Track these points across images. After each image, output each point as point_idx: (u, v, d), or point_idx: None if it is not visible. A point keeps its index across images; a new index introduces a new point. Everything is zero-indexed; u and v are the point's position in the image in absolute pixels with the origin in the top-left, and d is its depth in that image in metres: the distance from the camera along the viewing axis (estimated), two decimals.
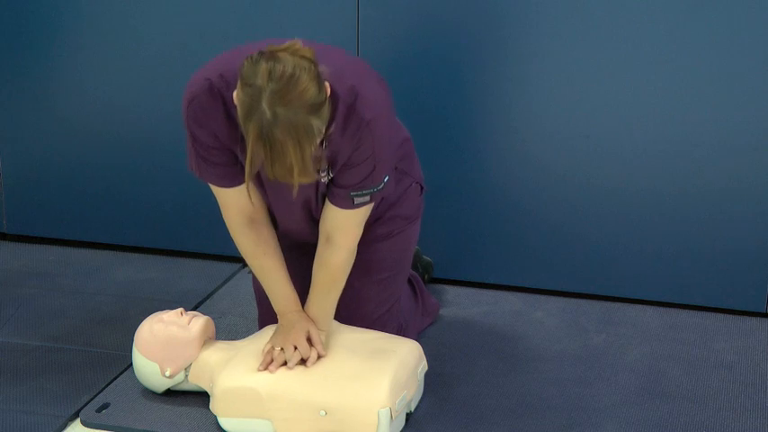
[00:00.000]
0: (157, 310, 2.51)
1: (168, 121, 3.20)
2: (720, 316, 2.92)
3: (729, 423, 2.39)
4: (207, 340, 2.45)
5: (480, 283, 3.09)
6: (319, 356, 2.35)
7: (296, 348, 2.34)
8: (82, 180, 3.34)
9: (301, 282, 2.50)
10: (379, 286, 2.57)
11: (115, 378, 2.56)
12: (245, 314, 2.91)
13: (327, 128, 2.15)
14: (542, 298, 3.03)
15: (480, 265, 3.08)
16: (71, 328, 2.84)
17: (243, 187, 2.31)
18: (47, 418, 2.39)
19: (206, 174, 2.32)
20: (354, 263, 2.50)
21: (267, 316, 2.63)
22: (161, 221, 3.30)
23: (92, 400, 2.47)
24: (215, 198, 2.39)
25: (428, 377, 2.51)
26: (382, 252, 2.55)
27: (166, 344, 2.40)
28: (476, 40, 2.89)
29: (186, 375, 2.42)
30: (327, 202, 2.34)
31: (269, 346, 2.36)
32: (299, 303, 2.44)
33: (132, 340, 2.47)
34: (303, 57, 2.05)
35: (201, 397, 2.43)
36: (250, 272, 3.14)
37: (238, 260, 3.25)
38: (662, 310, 2.95)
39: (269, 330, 2.48)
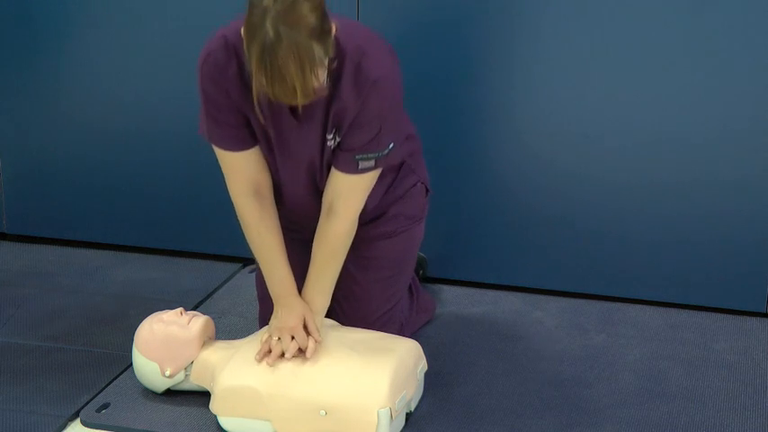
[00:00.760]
0: (157, 310, 2.51)
1: (168, 121, 3.20)
2: (720, 316, 2.92)
3: (729, 423, 2.39)
4: (207, 340, 2.45)
5: (480, 283, 3.09)
6: (317, 343, 2.35)
7: (293, 338, 2.34)
8: (82, 180, 3.34)
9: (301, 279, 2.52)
10: (380, 285, 2.57)
11: (115, 378, 2.56)
12: (245, 314, 2.91)
13: (337, 83, 2.18)
14: (542, 298, 3.03)
15: (480, 264, 3.08)
16: (71, 328, 2.84)
17: (251, 153, 2.33)
18: (47, 418, 2.39)
19: (215, 136, 2.32)
20: (357, 261, 2.51)
21: (268, 313, 2.63)
22: (161, 221, 3.31)
23: (92, 400, 2.47)
24: (221, 174, 2.38)
25: (428, 377, 2.51)
26: (385, 250, 2.55)
27: (166, 343, 2.40)
28: (476, 36, 2.89)
29: (186, 375, 2.42)
30: (332, 171, 2.34)
31: (266, 336, 2.36)
32: (296, 288, 2.42)
33: (132, 340, 2.47)
34: None
35: (201, 397, 2.43)
36: (251, 271, 3.16)
37: (238, 260, 3.25)
38: (662, 310, 2.95)
39: (269, 329, 2.48)
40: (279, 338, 2.34)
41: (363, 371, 2.28)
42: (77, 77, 3.25)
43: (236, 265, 3.24)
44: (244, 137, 2.32)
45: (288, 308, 2.39)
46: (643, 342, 2.77)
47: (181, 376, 2.42)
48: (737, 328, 2.85)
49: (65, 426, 2.39)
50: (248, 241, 2.44)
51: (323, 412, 2.24)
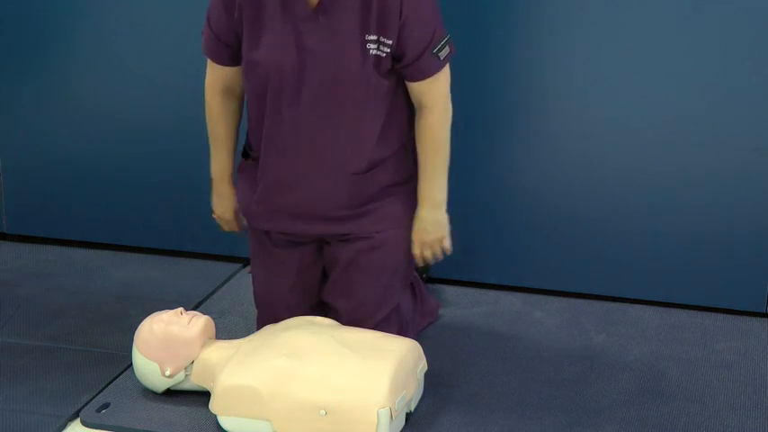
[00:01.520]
0: (157, 310, 2.51)
1: (169, 121, 3.21)
2: (720, 316, 2.92)
3: (729, 423, 2.39)
4: (207, 340, 2.45)
5: (480, 283, 3.09)
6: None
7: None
8: (82, 180, 3.34)
9: (300, 290, 2.58)
10: (379, 291, 2.56)
11: (115, 378, 2.56)
12: (245, 314, 2.91)
13: None
14: (542, 298, 3.03)
15: (480, 265, 3.08)
16: (71, 328, 2.83)
17: (228, 69, 2.51)
18: (47, 418, 2.39)
19: (208, 45, 2.51)
20: (356, 265, 2.50)
21: (266, 318, 2.63)
22: (161, 221, 3.30)
23: (92, 400, 2.47)
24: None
25: (428, 377, 2.51)
26: (383, 256, 2.54)
27: (166, 343, 2.40)
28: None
29: (186, 375, 2.42)
30: (411, 86, 2.41)
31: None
32: (231, 177, 2.65)
33: (132, 340, 2.47)
34: None
35: (201, 397, 2.43)
36: (250, 272, 3.16)
37: (238, 260, 3.25)
38: (662, 310, 2.95)
39: (269, 330, 2.48)
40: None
41: (363, 371, 2.28)
42: (77, 78, 3.25)
43: (236, 265, 3.24)
44: (231, 54, 2.47)
45: (220, 197, 2.67)
46: (643, 342, 2.77)
47: (181, 376, 2.42)
48: (737, 328, 2.85)
49: (65, 426, 2.39)
50: (207, 124, 2.63)
51: (323, 412, 2.24)
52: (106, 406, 2.44)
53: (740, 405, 2.46)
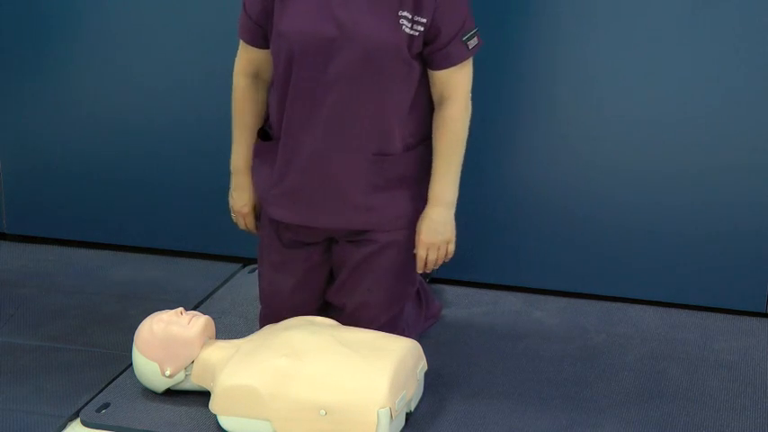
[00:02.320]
0: (157, 310, 2.51)
1: (169, 121, 3.21)
2: (720, 316, 2.92)
3: (729, 423, 2.39)
4: (207, 340, 2.45)
5: (480, 283, 3.09)
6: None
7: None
8: (82, 180, 3.34)
9: (311, 292, 2.59)
10: (386, 293, 2.56)
11: (115, 378, 2.56)
12: (245, 314, 2.91)
13: None
14: (542, 298, 3.03)
15: (480, 265, 3.08)
16: (71, 328, 2.83)
17: (260, 52, 2.47)
18: (47, 418, 2.39)
19: (242, 28, 2.47)
20: (364, 266, 2.50)
21: (270, 316, 2.63)
22: (161, 221, 3.31)
23: (92, 400, 2.47)
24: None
25: (428, 377, 2.51)
26: (392, 258, 2.54)
27: (166, 343, 2.40)
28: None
29: (187, 375, 2.42)
30: (434, 75, 2.41)
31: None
32: (251, 168, 2.59)
33: (132, 340, 2.47)
34: None
35: (201, 397, 2.43)
36: (251, 271, 3.16)
37: (238, 260, 3.25)
38: (662, 310, 2.95)
39: (269, 330, 2.48)
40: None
41: (363, 371, 2.28)
42: (77, 78, 3.25)
43: (236, 265, 3.24)
44: (259, 35, 2.44)
45: (240, 190, 2.62)
46: (643, 342, 2.77)
47: (181, 376, 2.42)
48: (737, 328, 2.85)
49: (65, 426, 2.39)
50: (233, 111, 2.58)
51: (323, 412, 2.24)
52: (106, 406, 2.44)
53: (740, 405, 2.47)
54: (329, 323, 2.52)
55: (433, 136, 2.48)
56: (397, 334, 2.56)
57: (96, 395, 2.49)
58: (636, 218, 2.92)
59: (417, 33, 2.34)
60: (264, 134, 2.57)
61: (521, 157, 2.97)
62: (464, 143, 2.48)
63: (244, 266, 3.23)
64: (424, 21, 2.33)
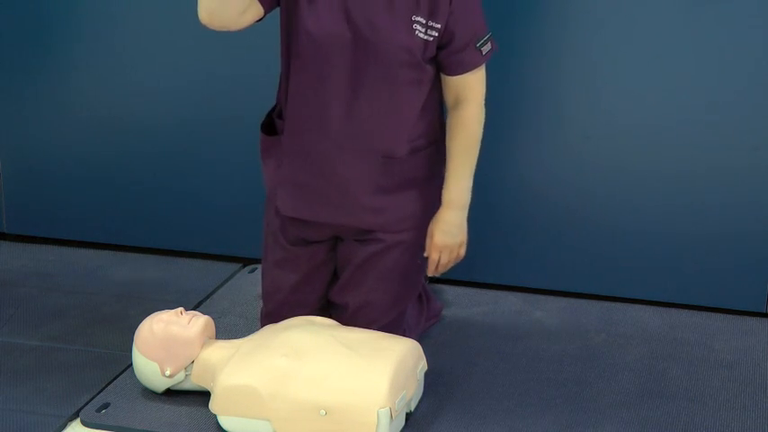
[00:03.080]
0: (157, 310, 2.51)
1: (169, 121, 3.20)
2: (720, 316, 2.92)
3: (729, 423, 2.39)
4: (207, 340, 2.45)
5: (480, 283, 3.09)
6: None
7: None
8: (82, 180, 3.34)
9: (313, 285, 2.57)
10: (390, 293, 2.56)
11: (115, 378, 2.56)
12: (245, 314, 2.91)
13: None
14: (542, 298, 3.03)
15: (480, 264, 3.08)
16: (71, 328, 2.83)
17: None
18: (47, 418, 2.39)
19: None
20: (370, 265, 2.50)
21: (270, 314, 2.62)
22: (161, 221, 3.31)
23: (92, 400, 2.47)
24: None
25: (428, 377, 2.51)
26: (398, 258, 2.54)
27: (166, 343, 2.40)
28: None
29: (187, 375, 2.42)
30: (449, 80, 2.41)
31: None
32: None
33: (132, 340, 2.47)
34: None
35: (201, 397, 2.43)
36: (251, 271, 3.16)
37: (238, 260, 3.25)
38: (662, 310, 2.95)
39: (269, 330, 2.48)
40: None
41: (363, 371, 2.28)
42: (77, 77, 3.25)
43: (236, 265, 3.23)
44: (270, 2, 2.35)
45: None
46: (643, 342, 2.77)
47: (181, 376, 2.42)
48: (737, 328, 2.85)
49: (65, 426, 2.39)
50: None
51: (323, 412, 2.24)
52: (106, 406, 2.44)
53: (740, 405, 2.47)
54: (329, 323, 2.52)
55: (447, 138, 2.48)
56: (399, 335, 2.56)
57: (96, 395, 2.49)
58: (636, 218, 2.92)
59: (431, 39, 2.35)
60: (270, 127, 2.56)
61: (521, 158, 2.96)
62: (478, 145, 2.49)
63: (244, 266, 3.23)
64: (439, 26, 2.33)
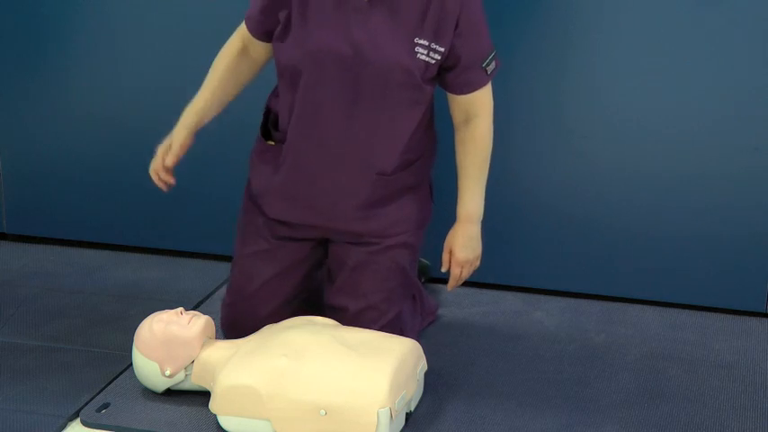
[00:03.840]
0: (157, 310, 2.51)
1: (169, 121, 3.20)
2: (720, 316, 2.92)
3: (729, 423, 2.39)
4: (207, 340, 2.45)
5: (480, 283, 3.09)
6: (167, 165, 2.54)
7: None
8: (82, 180, 3.34)
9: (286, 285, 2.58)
10: (387, 294, 2.56)
11: (115, 378, 2.56)
12: None
13: None
14: (542, 298, 3.03)
15: (480, 265, 3.07)
16: (71, 328, 2.84)
17: (256, 42, 2.45)
18: (47, 418, 2.39)
19: (249, 15, 2.44)
20: (365, 267, 2.51)
21: (236, 304, 2.63)
22: (161, 221, 3.31)
23: (92, 399, 2.47)
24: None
25: (428, 377, 2.51)
26: (393, 259, 2.54)
27: (166, 343, 2.40)
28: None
29: (187, 375, 2.42)
30: (456, 99, 2.42)
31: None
32: (196, 119, 2.54)
33: (132, 340, 2.47)
34: None
35: (201, 397, 2.43)
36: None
37: None
38: (662, 310, 2.96)
39: (268, 330, 2.48)
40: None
41: (363, 371, 2.28)
42: (77, 77, 3.25)
43: None
44: (265, 26, 2.41)
45: (175, 129, 2.55)
46: (643, 342, 2.77)
47: (181, 376, 2.42)
48: (737, 328, 2.85)
49: (65, 426, 2.39)
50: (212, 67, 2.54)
51: (323, 412, 2.24)
52: (106, 406, 2.44)
53: (740, 405, 2.47)
54: (329, 323, 2.51)
55: (458, 153, 2.49)
56: (397, 334, 2.56)
57: (96, 395, 2.49)
58: (636, 218, 2.92)
59: (434, 61, 2.35)
60: (267, 132, 2.57)
61: (521, 158, 2.96)
62: (489, 159, 2.51)
63: None
64: (443, 50, 2.33)
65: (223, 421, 2.31)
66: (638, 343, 2.77)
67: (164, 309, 2.52)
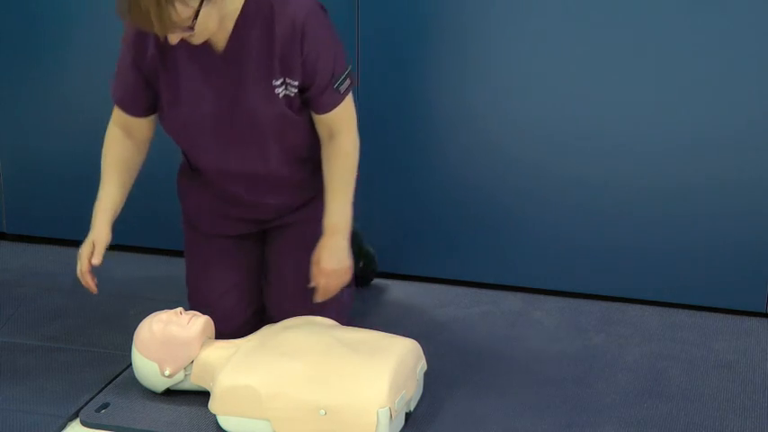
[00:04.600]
0: (157, 310, 2.51)
1: None
2: (720, 316, 2.92)
3: (729, 423, 2.39)
4: (206, 340, 2.45)
5: (480, 283, 3.09)
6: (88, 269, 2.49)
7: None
8: (82, 180, 3.33)
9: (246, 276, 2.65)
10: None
11: (115, 378, 2.56)
12: None
13: (270, 30, 2.34)
14: (542, 298, 3.03)
15: (480, 265, 3.08)
16: (71, 328, 2.84)
17: (141, 120, 2.52)
18: (47, 418, 2.39)
19: (115, 91, 2.50)
20: (293, 244, 2.59)
21: (198, 291, 2.68)
22: (161, 221, 3.30)
23: (92, 399, 2.47)
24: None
25: (428, 377, 2.51)
26: (314, 230, 2.55)
27: (166, 343, 2.40)
28: (476, 36, 2.89)
29: (186, 375, 2.42)
30: (319, 117, 2.46)
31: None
32: (110, 215, 2.58)
33: (132, 340, 2.47)
34: None
35: (201, 397, 2.43)
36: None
37: None
38: (662, 310, 2.95)
39: (268, 330, 2.49)
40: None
41: (363, 371, 2.28)
42: (78, 77, 3.25)
43: None
44: (138, 100, 2.49)
45: (93, 229, 2.55)
46: (642, 342, 2.77)
47: (180, 376, 2.42)
48: (737, 328, 2.85)
49: (65, 426, 2.39)
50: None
51: (322, 412, 2.24)
52: (106, 406, 2.44)
53: (739, 405, 2.47)
54: (329, 323, 2.52)
55: (324, 167, 2.51)
56: (333, 315, 2.57)
57: (96, 395, 2.49)
58: (636, 218, 2.92)
59: (293, 93, 2.42)
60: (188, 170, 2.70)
61: (521, 158, 2.96)
62: (355, 171, 2.52)
63: None
64: (297, 83, 2.41)
65: (223, 421, 2.31)
66: (638, 343, 2.77)
67: (164, 309, 2.52)
